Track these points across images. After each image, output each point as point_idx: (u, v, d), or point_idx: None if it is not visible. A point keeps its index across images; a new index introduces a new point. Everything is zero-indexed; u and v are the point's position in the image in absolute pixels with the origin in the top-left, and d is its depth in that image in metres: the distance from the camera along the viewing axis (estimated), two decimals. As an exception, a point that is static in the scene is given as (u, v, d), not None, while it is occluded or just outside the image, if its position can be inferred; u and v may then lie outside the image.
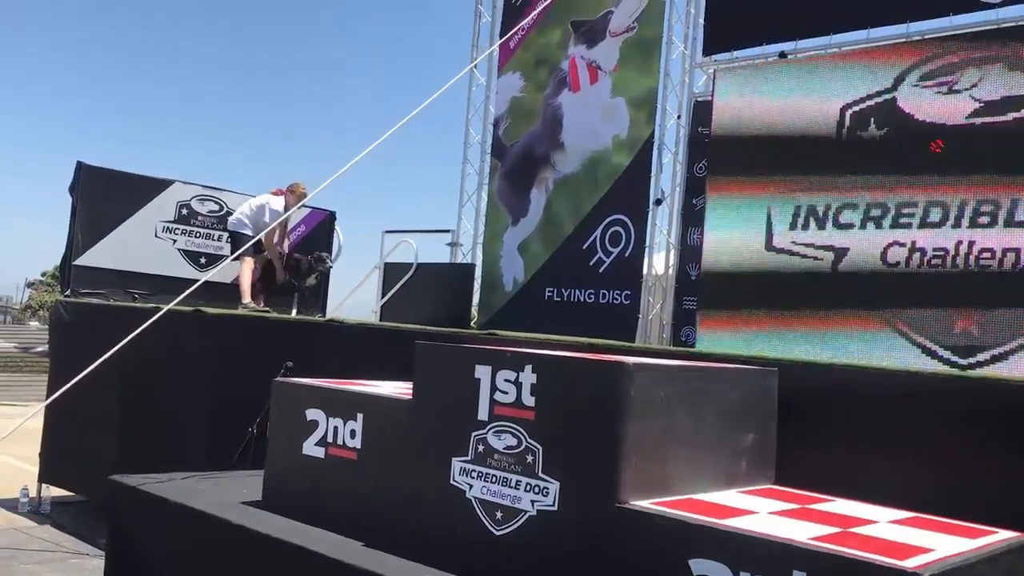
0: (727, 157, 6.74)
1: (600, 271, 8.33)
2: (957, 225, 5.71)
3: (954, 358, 5.55)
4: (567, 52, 8.86)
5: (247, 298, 8.02)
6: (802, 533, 2.22)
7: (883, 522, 2.46)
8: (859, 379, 3.36)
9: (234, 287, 8.14)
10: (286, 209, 8.02)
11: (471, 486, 2.76)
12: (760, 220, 6.43)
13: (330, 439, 3.23)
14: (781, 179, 6.40)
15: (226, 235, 8.57)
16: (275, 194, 8.26)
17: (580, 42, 8.77)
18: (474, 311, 9.70)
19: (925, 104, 6.00)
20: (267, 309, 8.25)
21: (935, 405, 3.15)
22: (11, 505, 7.84)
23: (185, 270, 8.44)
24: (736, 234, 6.53)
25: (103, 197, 8.11)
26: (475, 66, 9.54)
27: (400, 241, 10.07)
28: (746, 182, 6.55)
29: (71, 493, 7.91)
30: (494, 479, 2.70)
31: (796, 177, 6.34)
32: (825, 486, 2.85)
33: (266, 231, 7.34)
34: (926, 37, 6.19)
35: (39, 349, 24.16)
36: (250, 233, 7.90)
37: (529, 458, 2.63)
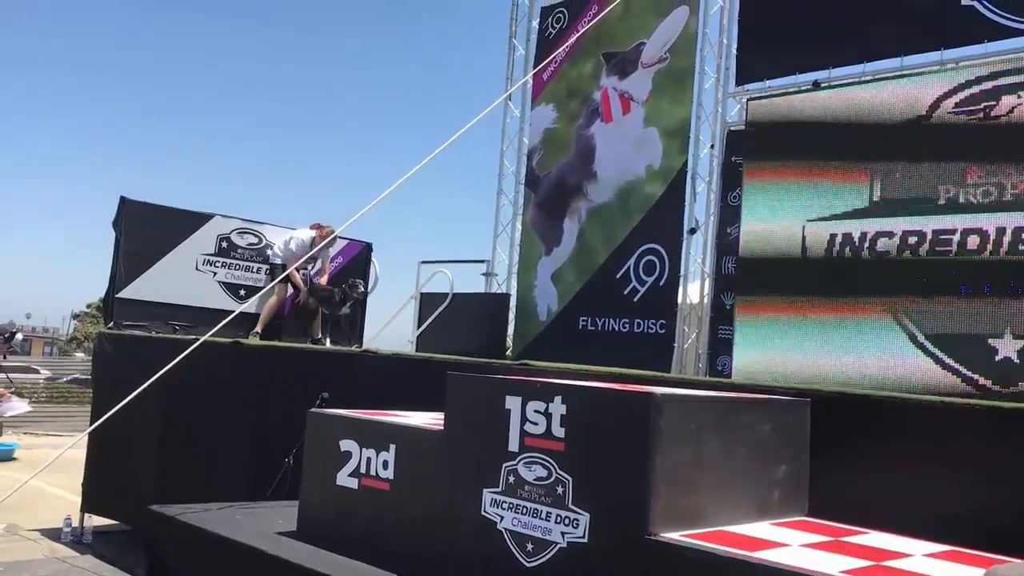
0: (765, 142, 6.73)
1: (634, 300, 8.32)
2: (995, 253, 5.64)
3: (995, 387, 5.46)
4: (599, 83, 8.93)
5: (259, 327, 8.31)
6: (834, 566, 2.20)
7: (918, 555, 2.43)
8: (894, 409, 3.32)
9: (273, 318, 8.38)
10: (312, 246, 8.28)
11: (502, 517, 2.77)
12: (796, 208, 6.40)
13: (363, 470, 3.26)
14: (819, 165, 6.35)
15: (265, 267, 8.84)
16: (312, 228, 8.58)
17: (612, 73, 8.83)
18: (509, 340, 9.73)
19: (960, 132, 5.96)
20: (319, 339, 8.51)
21: (972, 436, 3.10)
22: (54, 535, 7.97)
23: (225, 302, 8.58)
24: (771, 224, 6.51)
25: (146, 231, 8.30)
26: (509, 98, 9.64)
27: (436, 271, 10.15)
28: (783, 167, 6.52)
29: (113, 522, 8.03)
30: (525, 510, 2.71)
31: (833, 163, 6.29)
32: (859, 518, 2.81)
33: (300, 261, 7.55)
34: (960, 64, 6.16)
35: (67, 379, 24.59)
36: (281, 263, 8.25)
37: (559, 489, 2.64)
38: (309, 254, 7.96)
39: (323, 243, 8.00)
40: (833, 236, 6.29)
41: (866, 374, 5.85)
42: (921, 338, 5.80)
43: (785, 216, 6.43)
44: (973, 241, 5.76)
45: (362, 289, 8.99)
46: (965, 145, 5.86)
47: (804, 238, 6.37)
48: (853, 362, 5.95)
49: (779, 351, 6.27)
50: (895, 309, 5.92)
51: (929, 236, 5.94)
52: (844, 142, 6.26)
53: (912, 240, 6.03)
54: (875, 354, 5.88)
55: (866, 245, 6.17)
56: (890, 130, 6.14)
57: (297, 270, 8.44)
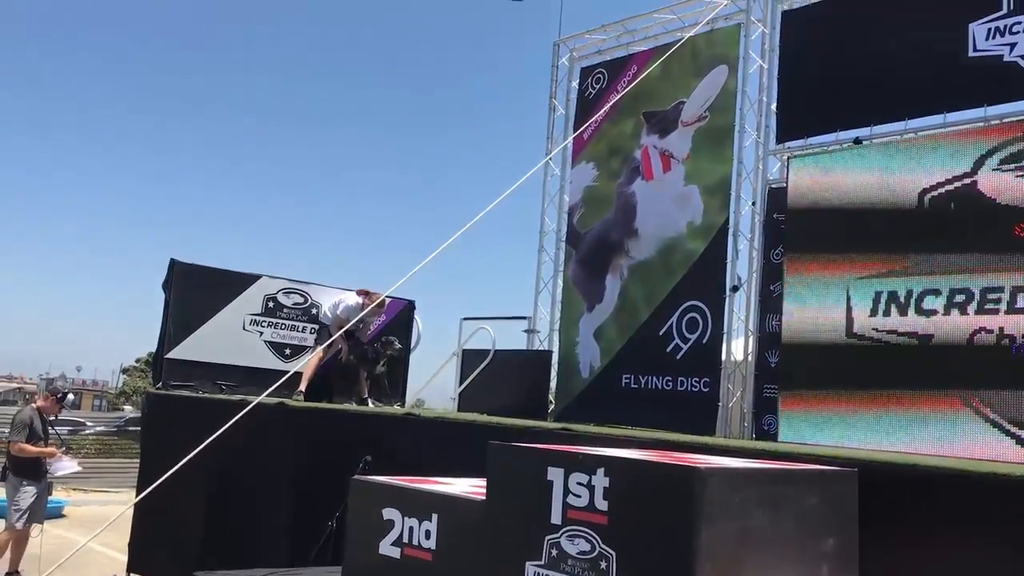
0: (804, 233, 6.71)
1: (677, 358, 8.27)
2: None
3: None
4: (640, 142, 9.01)
5: (302, 386, 8.26)
6: (885, 649, 2.14)
7: (973, 637, 2.36)
8: (945, 479, 3.24)
9: (318, 378, 8.44)
10: (360, 307, 8.36)
11: (545, 591, 2.74)
12: (840, 299, 6.34)
13: (406, 539, 3.26)
14: (860, 257, 6.33)
15: (310, 327, 8.97)
16: (358, 293, 8.58)
17: (652, 132, 8.91)
18: (551, 397, 9.69)
19: (1007, 187, 5.89)
20: (365, 398, 8.53)
21: (1027, 507, 3.01)
22: (101, 594, 8.04)
23: (271, 361, 8.70)
24: (816, 311, 6.45)
25: (194, 292, 8.46)
26: (550, 158, 9.75)
27: (478, 328, 10.19)
28: (825, 260, 6.50)
29: (158, 582, 8.06)
30: (568, 585, 2.68)
31: (876, 255, 6.25)
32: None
33: (344, 328, 7.68)
34: (1005, 120, 6.12)
35: (87, 430, 24.83)
36: (330, 325, 8.29)
37: (603, 564, 2.60)
38: (354, 320, 8.00)
39: (370, 308, 8.04)
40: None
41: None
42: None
43: (828, 304, 6.43)
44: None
45: (398, 346, 8.94)
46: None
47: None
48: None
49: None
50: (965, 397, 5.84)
51: (976, 295, 5.86)
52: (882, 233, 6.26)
53: (959, 298, 5.95)
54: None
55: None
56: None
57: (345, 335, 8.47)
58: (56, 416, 9.04)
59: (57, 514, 12.56)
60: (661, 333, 8.47)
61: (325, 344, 7.95)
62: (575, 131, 9.47)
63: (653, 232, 8.79)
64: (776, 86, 7.91)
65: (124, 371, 51.83)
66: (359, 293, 8.63)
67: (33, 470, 8.40)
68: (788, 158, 7.36)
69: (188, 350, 8.38)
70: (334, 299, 8.75)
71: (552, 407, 9.52)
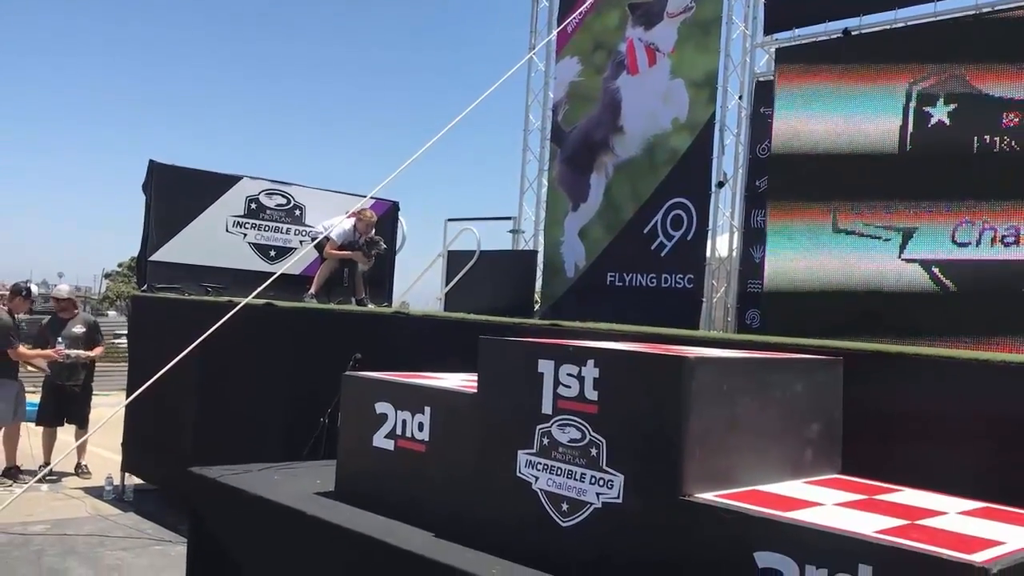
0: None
1: (662, 255, 8.29)
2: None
3: None
4: (624, 35, 8.81)
5: (313, 290, 8.29)
6: (868, 526, 2.21)
7: (952, 513, 2.44)
8: (928, 366, 3.31)
9: (300, 279, 8.43)
10: (353, 230, 8.55)
11: (537, 478, 2.81)
12: (827, 108, 6.49)
13: (399, 432, 3.31)
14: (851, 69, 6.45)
15: (295, 228, 8.96)
16: (349, 216, 8.56)
17: (637, 24, 8.70)
18: (537, 297, 9.76)
19: (998, 78, 5.83)
20: (363, 299, 8.75)
21: (1008, 392, 3.09)
22: (97, 493, 8.20)
23: (255, 263, 8.68)
24: (802, 121, 6.61)
25: (175, 194, 8.37)
26: (534, 53, 9.54)
27: (463, 229, 10.18)
28: (816, 71, 6.66)
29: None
30: (559, 472, 2.74)
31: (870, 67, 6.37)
32: (893, 475, 2.82)
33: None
34: (996, 8, 6.01)
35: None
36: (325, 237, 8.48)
37: (593, 451, 2.66)
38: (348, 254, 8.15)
39: (363, 228, 8.38)
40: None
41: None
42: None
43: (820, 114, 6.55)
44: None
45: (384, 245, 8.93)
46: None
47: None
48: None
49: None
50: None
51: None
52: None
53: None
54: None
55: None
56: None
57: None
58: (30, 312, 9.05)
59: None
60: (646, 231, 8.46)
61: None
62: (559, 24, 9.24)
63: (638, 129, 8.68)
64: (765, -26, 7.70)
65: (107, 276, 51.52)
66: (350, 215, 8.61)
67: (9, 369, 8.42)
68: (775, 50, 7.24)
69: (171, 252, 8.34)
70: (323, 224, 8.72)
71: (537, 307, 9.59)
